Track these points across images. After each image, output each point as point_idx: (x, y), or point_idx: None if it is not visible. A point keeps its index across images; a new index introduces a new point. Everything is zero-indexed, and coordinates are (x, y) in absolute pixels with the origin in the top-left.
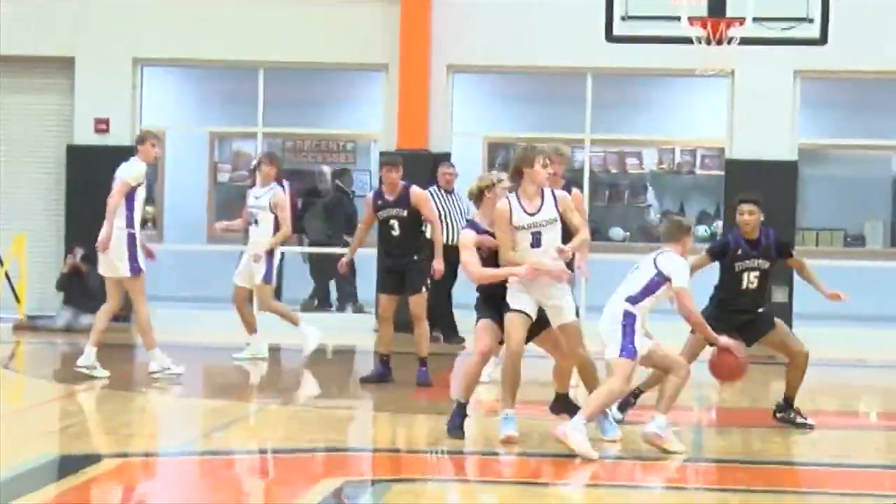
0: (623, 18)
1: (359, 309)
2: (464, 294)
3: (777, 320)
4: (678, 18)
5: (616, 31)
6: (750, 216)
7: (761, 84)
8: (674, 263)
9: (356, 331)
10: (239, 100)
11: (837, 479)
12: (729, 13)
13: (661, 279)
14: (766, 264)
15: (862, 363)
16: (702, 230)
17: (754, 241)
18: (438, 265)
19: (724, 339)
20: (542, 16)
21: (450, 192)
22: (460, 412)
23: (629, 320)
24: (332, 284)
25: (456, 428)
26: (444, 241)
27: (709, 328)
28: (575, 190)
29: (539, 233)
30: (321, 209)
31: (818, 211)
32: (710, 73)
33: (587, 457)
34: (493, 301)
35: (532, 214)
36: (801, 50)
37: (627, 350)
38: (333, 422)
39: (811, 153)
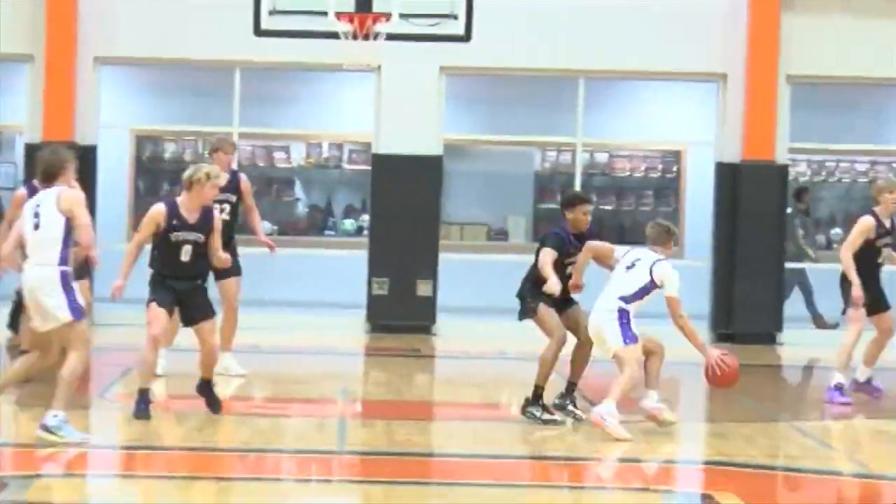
0: (271, 13)
1: None
2: None
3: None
4: (325, 13)
5: (264, 25)
6: (587, 215)
7: (407, 79)
8: (667, 273)
9: None
10: None
11: (477, 470)
12: (375, 9)
13: (653, 286)
14: None
15: (502, 355)
16: (348, 224)
17: (579, 235)
18: None
19: (714, 353)
20: (192, 9)
21: None
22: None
23: (625, 315)
24: None
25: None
26: None
27: (699, 338)
28: (243, 175)
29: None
30: None
31: (463, 205)
32: (356, 67)
33: (622, 438)
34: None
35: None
36: (446, 46)
37: (630, 337)
38: None
39: (456, 148)
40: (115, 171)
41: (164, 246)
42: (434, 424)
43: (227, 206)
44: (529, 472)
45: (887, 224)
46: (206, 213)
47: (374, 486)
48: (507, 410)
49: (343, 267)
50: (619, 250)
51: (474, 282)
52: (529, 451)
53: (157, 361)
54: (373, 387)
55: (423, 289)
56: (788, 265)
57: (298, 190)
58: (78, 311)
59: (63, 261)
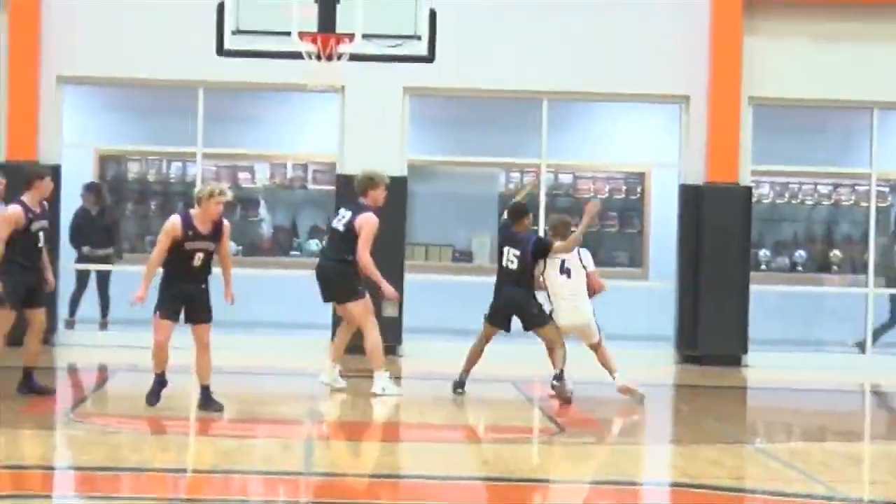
0: (234, 32)
1: None
2: None
3: None
4: (289, 34)
5: (227, 45)
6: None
7: (371, 100)
8: (588, 256)
9: None
10: None
11: (443, 492)
12: (339, 29)
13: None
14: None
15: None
16: (313, 244)
17: None
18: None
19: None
20: (155, 28)
21: None
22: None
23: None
24: None
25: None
26: None
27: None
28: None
29: None
30: None
31: (427, 226)
32: (320, 88)
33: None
34: None
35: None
36: (410, 67)
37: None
38: None
39: (421, 169)
40: (78, 191)
41: (178, 253)
42: (400, 446)
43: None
44: (495, 493)
45: None
46: (217, 224)
47: None
48: (473, 432)
49: (308, 287)
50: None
51: (439, 302)
52: (496, 473)
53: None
54: (339, 408)
55: (388, 309)
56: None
57: (263, 210)
58: None
59: None
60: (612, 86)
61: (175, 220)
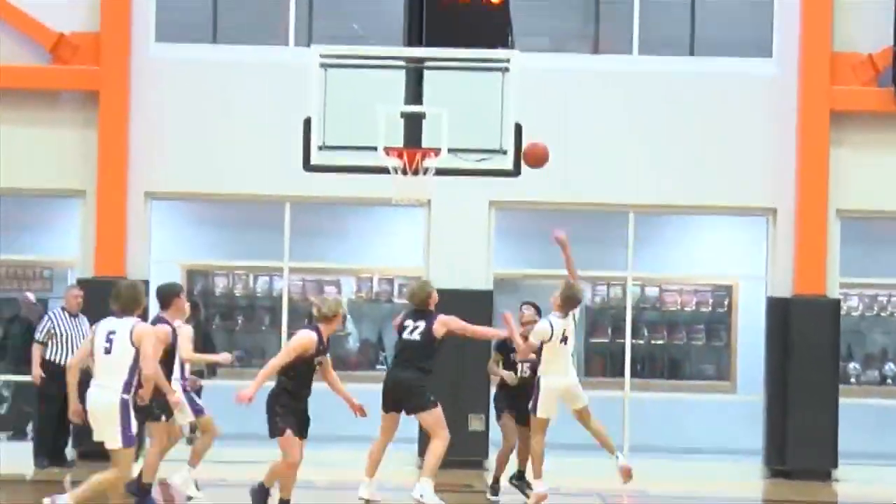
0: (321, 148)
1: None
2: None
3: None
4: (375, 148)
5: (314, 161)
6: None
7: (457, 213)
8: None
9: None
10: None
11: None
12: (424, 144)
13: None
14: None
15: None
16: None
17: None
18: None
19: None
20: (241, 144)
21: (74, 315)
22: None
23: None
24: None
25: None
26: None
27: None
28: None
29: None
30: None
31: None
32: (406, 202)
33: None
34: None
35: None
36: (495, 181)
37: None
38: None
39: (507, 283)
40: None
41: (305, 368)
42: None
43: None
44: None
45: None
46: (329, 338)
47: None
48: None
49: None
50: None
51: None
52: None
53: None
54: None
55: (475, 424)
56: None
57: (350, 324)
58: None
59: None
60: (699, 198)
61: (312, 336)
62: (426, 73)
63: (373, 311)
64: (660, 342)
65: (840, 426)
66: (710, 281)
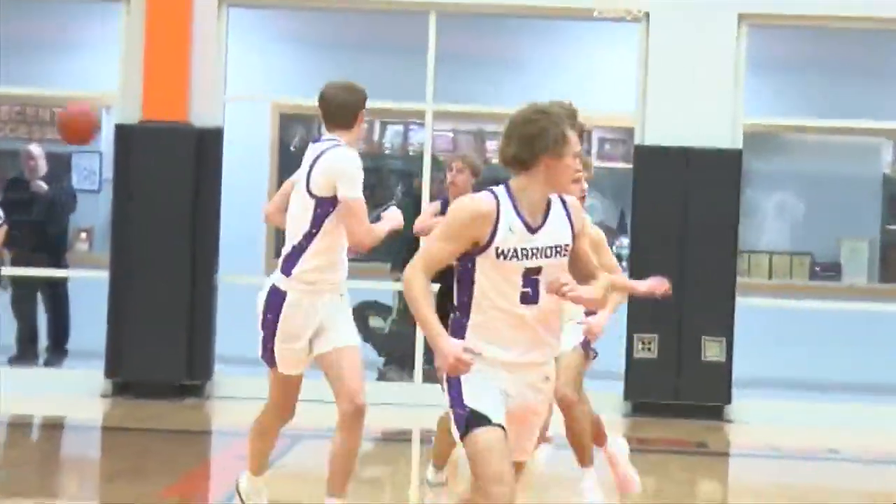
0: None
1: None
2: None
3: None
4: None
5: None
6: None
7: (687, 32)
8: None
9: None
10: None
11: None
12: None
13: None
14: None
15: (831, 454)
16: None
17: None
18: None
19: None
20: None
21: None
22: None
23: None
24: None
25: None
26: None
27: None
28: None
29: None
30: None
31: (770, 226)
32: (612, 15)
33: None
34: None
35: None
36: None
37: None
38: None
39: (760, 139)
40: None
41: None
42: None
43: None
44: None
45: None
46: None
47: None
48: None
49: None
50: None
51: (786, 342)
52: None
53: None
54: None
55: (712, 351)
56: None
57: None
58: None
59: None
60: None
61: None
62: None
63: None
64: None
65: None
66: None
